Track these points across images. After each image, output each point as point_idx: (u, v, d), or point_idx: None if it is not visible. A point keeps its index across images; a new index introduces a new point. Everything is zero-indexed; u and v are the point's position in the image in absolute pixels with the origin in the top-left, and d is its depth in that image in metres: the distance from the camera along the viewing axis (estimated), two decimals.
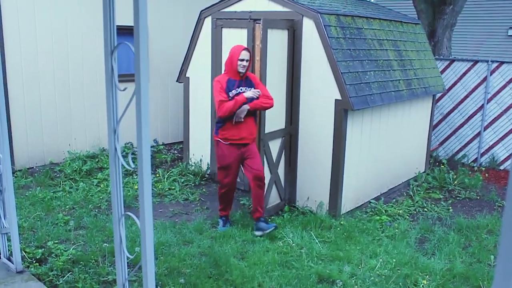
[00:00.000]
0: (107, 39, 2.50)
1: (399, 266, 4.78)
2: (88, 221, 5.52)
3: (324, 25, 5.81)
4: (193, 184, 7.15)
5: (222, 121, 5.41)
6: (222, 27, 6.90)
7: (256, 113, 5.60)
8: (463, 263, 5.02)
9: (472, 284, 4.57)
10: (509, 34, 16.03)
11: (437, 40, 10.57)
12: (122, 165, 2.64)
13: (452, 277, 4.69)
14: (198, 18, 7.28)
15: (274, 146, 6.10)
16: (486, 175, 8.48)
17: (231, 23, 6.76)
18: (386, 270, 4.64)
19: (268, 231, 5.38)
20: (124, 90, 2.47)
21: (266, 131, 5.89)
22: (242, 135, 5.40)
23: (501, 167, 8.93)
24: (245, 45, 5.74)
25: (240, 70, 5.36)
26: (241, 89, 5.40)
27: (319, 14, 5.82)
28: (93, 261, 4.50)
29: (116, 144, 2.63)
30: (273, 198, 6.21)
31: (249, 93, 5.31)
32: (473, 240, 5.71)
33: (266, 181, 5.98)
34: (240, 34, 6.64)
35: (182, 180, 7.21)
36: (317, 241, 5.27)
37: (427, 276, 4.60)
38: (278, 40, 5.89)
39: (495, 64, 8.72)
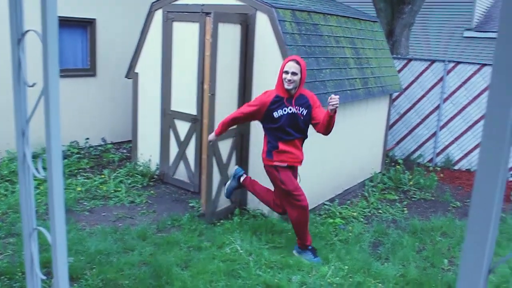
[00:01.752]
0: (13, 26, 2.15)
1: (352, 273, 4.57)
2: (20, 227, 5.10)
3: (278, 20, 5.55)
4: (140, 186, 6.78)
5: (275, 141, 4.76)
6: (173, 21, 6.56)
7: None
8: (417, 268, 4.86)
9: None
10: (464, 35, 16.19)
11: (395, 39, 10.50)
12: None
13: (406, 284, 4.52)
14: (149, 11, 6.91)
15: (224, 146, 5.81)
16: (441, 175, 8.43)
17: (183, 17, 6.44)
18: (337, 278, 4.42)
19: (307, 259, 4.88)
20: (32, 85, 2.13)
21: None
22: (298, 155, 4.88)
23: (456, 167, 8.91)
24: (203, 39, 5.40)
25: (286, 86, 4.61)
26: (290, 109, 4.66)
27: (273, 9, 5.55)
28: (20, 273, 4.10)
29: (25, 149, 2.28)
30: (223, 201, 5.92)
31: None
32: (427, 243, 5.58)
33: (215, 183, 5.69)
34: (192, 28, 6.33)
35: (129, 181, 6.83)
36: (267, 246, 5.02)
37: (380, 284, 4.40)
38: (230, 34, 5.59)
39: (451, 64, 8.67)
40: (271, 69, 5.74)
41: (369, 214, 6.54)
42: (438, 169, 8.78)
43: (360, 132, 7.28)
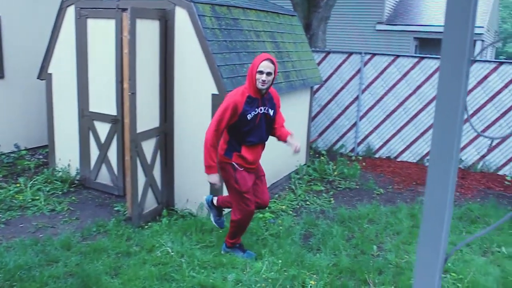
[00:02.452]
0: None
1: (286, 266, 4.57)
2: None
3: (198, 15, 5.43)
4: (60, 193, 6.42)
5: (238, 145, 4.49)
6: (87, 18, 6.26)
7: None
8: (348, 257, 4.95)
9: (358, 278, 4.50)
10: (377, 28, 16.83)
11: (312, 33, 10.67)
12: None
13: (339, 273, 4.59)
14: (60, 7, 6.54)
15: (148, 146, 5.62)
16: (363, 164, 8.69)
17: (97, 13, 6.15)
18: (272, 273, 4.40)
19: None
20: None
21: (139, 130, 5.38)
22: (256, 159, 4.67)
23: (376, 155, 9.22)
24: (121, 36, 5.13)
25: (259, 86, 4.31)
26: (261, 110, 4.44)
27: (192, 3, 5.43)
28: None
29: None
30: (150, 203, 5.74)
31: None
32: (356, 231, 5.71)
33: (141, 185, 5.50)
34: (108, 25, 6.07)
35: (48, 188, 6.45)
36: (198, 246, 4.92)
37: (315, 276, 4.43)
38: (148, 31, 5.40)
39: (368, 56, 8.95)
40: (192, 66, 5.62)
41: (298, 206, 6.60)
42: (360, 158, 9.04)
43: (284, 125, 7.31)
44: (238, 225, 4.68)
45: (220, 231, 5.29)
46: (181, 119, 5.83)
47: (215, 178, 4.43)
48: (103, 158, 6.45)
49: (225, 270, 4.45)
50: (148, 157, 5.62)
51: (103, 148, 6.41)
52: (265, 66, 4.27)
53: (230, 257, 4.69)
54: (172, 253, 4.65)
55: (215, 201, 4.96)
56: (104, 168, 6.50)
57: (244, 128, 4.41)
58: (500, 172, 8.34)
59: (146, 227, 5.41)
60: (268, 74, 4.29)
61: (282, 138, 4.68)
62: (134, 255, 4.66)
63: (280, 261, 4.62)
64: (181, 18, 5.57)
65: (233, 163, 4.50)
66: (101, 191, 6.55)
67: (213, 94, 5.56)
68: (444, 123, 1.04)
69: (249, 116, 4.36)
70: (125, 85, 5.32)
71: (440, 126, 1.05)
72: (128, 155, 5.34)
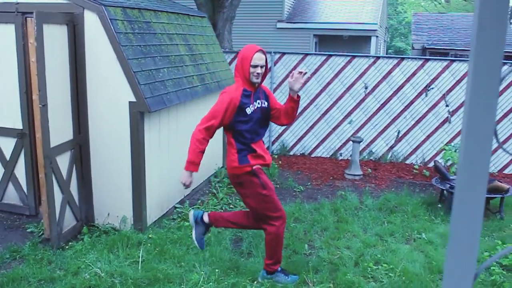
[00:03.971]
0: None
1: (223, 275, 4.46)
2: None
3: (110, 19, 5.13)
4: None
5: (247, 145, 4.15)
6: None
7: None
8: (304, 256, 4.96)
9: None
10: (278, 26, 17.13)
11: (218, 33, 10.58)
12: None
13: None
14: None
15: (63, 161, 5.23)
16: (280, 162, 8.77)
17: None
18: (211, 284, 4.27)
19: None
20: None
21: (52, 145, 4.98)
22: (268, 156, 4.38)
23: (291, 153, 9.35)
24: (23, 43, 4.70)
25: (254, 80, 4.08)
26: (258, 104, 4.18)
27: (103, 7, 5.11)
28: None
29: None
30: (69, 221, 5.35)
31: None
32: (284, 231, 5.71)
33: (58, 203, 5.11)
34: (5, 31, 5.55)
35: None
36: (127, 263, 4.65)
37: (255, 282, 4.37)
38: (56, 37, 5.02)
39: (278, 55, 9.04)
40: (106, 73, 5.31)
41: (222, 210, 6.50)
42: (276, 156, 9.12)
43: None
44: (277, 235, 4.26)
45: (149, 244, 5.05)
46: (97, 130, 5.50)
47: (187, 177, 4.14)
48: (9, 176, 5.91)
49: (162, 285, 4.25)
50: (64, 173, 5.23)
51: (9, 165, 5.87)
52: (259, 58, 4.07)
53: (165, 271, 4.48)
54: (102, 274, 4.36)
55: (205, 218, 4.53)
56: (11, 187, 5.96)
57: (247, 124, 4.13)
58: (408, 161, 8.81)
59: (67, 247, 5.03)
60: (262, 66, 4.10)
61: (291, 104, 4.24)
62: (59, 280, 4.30)
63: (216, 270, 4.50)
64: (91, 23, 5.23)
65: (253, 168, 4.16)
66: (9, 212, 6.00)
67: (130, 102, 5.29)
68: (477, 139, 1.00)
69: (248, 110, 4.10)
70: (34, 97, 4.91)
71: (472, 143, 1.01)
72: (43, 172, 4.93)
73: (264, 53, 4.14)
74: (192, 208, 6.29)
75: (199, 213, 4.57)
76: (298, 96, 4.19)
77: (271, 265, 4.37)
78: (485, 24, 0.98)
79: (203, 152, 4.14)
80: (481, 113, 1.02)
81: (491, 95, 1.01)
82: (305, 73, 4.13)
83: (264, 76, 4.20)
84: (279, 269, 4.43)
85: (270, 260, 4.37)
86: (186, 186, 4.19)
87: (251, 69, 4.06)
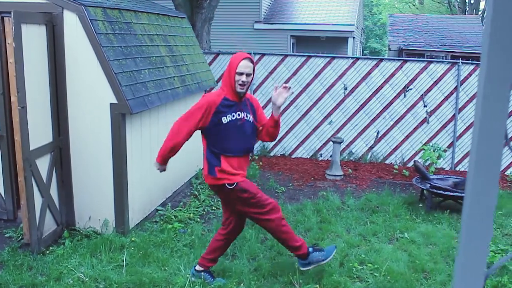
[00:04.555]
0: None
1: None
2: None
3: (90, 20, 5.05)
4: None
5: (217, 157, 4.00)
6: None
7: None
8: (266, 260, 4.93)
9: (282, 281, 4.48)
10: (255, 27, 17.14)
11: (197, 34, 10.52)
12: None
13: (262, 278, 4.55)
14: None
15: (43, 164, 5.13)
16: (260, 163, 8.76)
17: None
18: (197, 287, 4.24)
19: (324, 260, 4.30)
20: None
21: (32, 147, 4.88)
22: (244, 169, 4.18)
23: (271, 154, 9.36)
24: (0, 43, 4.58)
25: (238, 89, 3.93)
26: (238, 115, 4.00)
27: (83, 7, 5.03)
28: None
29: None
30: (49, 225, 5.24)
31: None
32: (267, 233, 5.70)
33: (38, 206, 5.00)
34: None
35: None
36: (110, 267, 4.58)
37: (241, 284, 4.35)
38: (35, 37, 4.91)
39: (257, 56, 9.03)
40: (86, 74, 5.23)
41: (204, 212, 6.46)
42: (256, 157, 9.11)
43: None
44: (279, 228, 4.15)
45: (133, 248, 4.99)
46: (78, 132, 5.41)
47: (158, 166, 4.25)
48: None
49: None
50: (44, 176, 5.12)
51: None
52: (245, 66, 3.92)
53: (149, 275, 4.43)
54: (86, 279, 4.28)
55: (197, 267, 4.44)
56: None
57: (219, 135, 3.98)
58: (387, 161, 8.90)
59: (47, 252, 4.93)
60: (248, 75, 3.95)
61: (271, 123, 4.13)
62: (41, 286, 4.20)
63: (203, 272, 4.46)
64: (71, 23, 5.14)
65: (225, 183, 4.00)
66: None
67: (111, 104, 5.22)
68: (488, 149, 1.01)
69: (224, 119, 3.95)
70: (13, 99, 4.79)
71: (484, 153, 1.02)
72: (22, 175, 4.82)
73: (252, 61, 4.01)
74: (175, 210, 6.25)
75: (192, 271, 4.47)
76: (278, 117, 4.06)
77: (296, 250, 4.27)
78: (498, 28, 0.99)
79: (173, 144, 4.12)
80: (493, 116, 1.03)
81: (503, 99, 1.01)
82: (290, 88, 4.04)
83: (248, 85, 4.05)
84: (310, 249, 4.32)
85: (292, 250, 4.30)
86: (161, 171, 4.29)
87: (237, 77, 3.93)
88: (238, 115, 4.03)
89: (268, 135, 4.22)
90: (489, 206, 1.07)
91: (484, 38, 1.03)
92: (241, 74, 3.92)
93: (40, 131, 5.06)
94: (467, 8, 30.53)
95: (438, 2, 34.98)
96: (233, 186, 4.00)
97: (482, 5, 31.89)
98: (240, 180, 4.03)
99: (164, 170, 4.28)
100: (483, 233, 1.08)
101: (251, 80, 4.05)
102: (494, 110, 1.03)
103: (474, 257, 1.10)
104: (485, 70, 1.02)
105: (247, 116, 4.09)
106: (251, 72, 3.99)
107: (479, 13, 30.32)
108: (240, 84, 3.94)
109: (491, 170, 1.05)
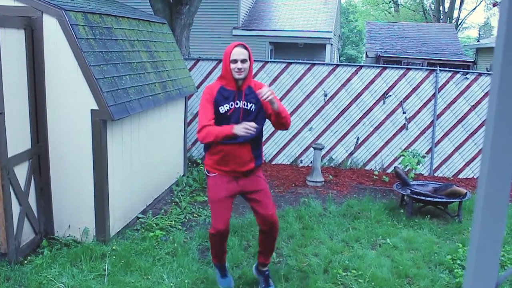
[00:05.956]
0: None
1: (192, 286, 4.39)
2: None
3: (70, 24, 4.96)
4: None
5: (209, 145, 4.10)
6: None
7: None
8: (250, 267, 4.89)
9: None
10: (233, 33, 17.14)
11: (176, 39, 10.46)
12: None
13: (246, 285, 4.51)
14: None
15: (21, 171, 5.01)
16: None
17: None
18: None
19: None
20: None
21: (9, 155, 4.76)
22: (238, 162, 4.08)
23: None
24: None
25: (236, 76, 3.90)
26: (237, 104, 3.96)
27: (63, 11, 4.94)
28: None
29: None
30: (27, 234, 5.12)
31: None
32: (251, 239, 5.68)
33: (15, 215, 4.88)
34: None
35: None
36: (92, 276, 4.49)
37: None
38: (13, 42, 4.80)
39: None
40: (66, 80, 5.14)
41: (185, 220, 6.39)
42: None
43: (163, 137, 7.07)
44: (211, 241, 4.26)
45: (114, 256, 4.90)
46: (57, 138, 5.30)
47: (239, 128, 3.75)
48: None
49: None
50: (22, 184, 5.00)
51: None
52: (238, 53, 3.89)
53: (132, 284, 4.35)
54: None
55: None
56: None
57: (221, 123, 3.91)
58: (367, 168, 8.96)
59: (25, 262, 4.81)
60: (243, 61, 3.89)
61: (273, 117, 3.99)
62: None
63: (187, 280, 4.41)
64: (51, 28, 5.04)
65: (209, 173, 4.16)
66: None
67: (92, 110, 5.14)
68: (502, 148, 1.00)
69: (221, 109, 3.95)
70: None
71: (497, 152, 1.01)
72: (0, 184, 4.69)
73: (245, 47, 3.97)
74: (156, 218, 6.17)
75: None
76: (278, 109, 3.87)
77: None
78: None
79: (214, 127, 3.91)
80: (506, 125, 1.02)
81: None
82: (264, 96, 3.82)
83: (250, 71, 3.99)
84: (218, 265, 4.43)
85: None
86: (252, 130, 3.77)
87: (232, 65, 3.91)
88: (237, 104, 3.99)
89: (277, 125, 4.10)
90: (501, 212, 1.06)
91: (497, 49, 1.02)
92: (235, 61, 3.89)
93: (18, 138, 4.94)
94: (441, 17, 31.10)
95: (413, 10, 35.56)
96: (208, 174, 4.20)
97: (455, 13, 32.55)
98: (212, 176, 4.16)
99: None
100: (495, 241, 1.08)
101: (251, 66, 3.99)
102: (507, 120, 1.02)
103: (485, 264, 1.09)
104: (498, 78, 1.01)
105: (248, 105, 4.01)
106: (246, 58, 3.93)
107: (453, 21, 30.92)
108: (236, 71, 3.91)
109: (503, 178, 1.04)
